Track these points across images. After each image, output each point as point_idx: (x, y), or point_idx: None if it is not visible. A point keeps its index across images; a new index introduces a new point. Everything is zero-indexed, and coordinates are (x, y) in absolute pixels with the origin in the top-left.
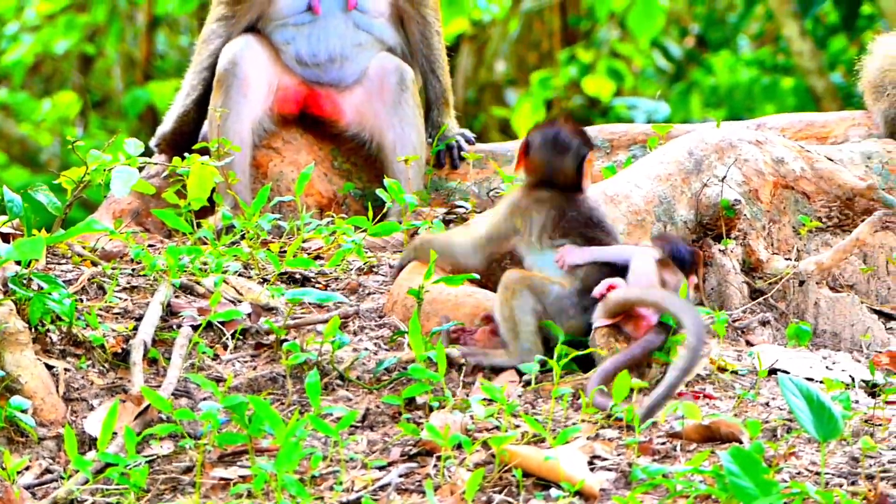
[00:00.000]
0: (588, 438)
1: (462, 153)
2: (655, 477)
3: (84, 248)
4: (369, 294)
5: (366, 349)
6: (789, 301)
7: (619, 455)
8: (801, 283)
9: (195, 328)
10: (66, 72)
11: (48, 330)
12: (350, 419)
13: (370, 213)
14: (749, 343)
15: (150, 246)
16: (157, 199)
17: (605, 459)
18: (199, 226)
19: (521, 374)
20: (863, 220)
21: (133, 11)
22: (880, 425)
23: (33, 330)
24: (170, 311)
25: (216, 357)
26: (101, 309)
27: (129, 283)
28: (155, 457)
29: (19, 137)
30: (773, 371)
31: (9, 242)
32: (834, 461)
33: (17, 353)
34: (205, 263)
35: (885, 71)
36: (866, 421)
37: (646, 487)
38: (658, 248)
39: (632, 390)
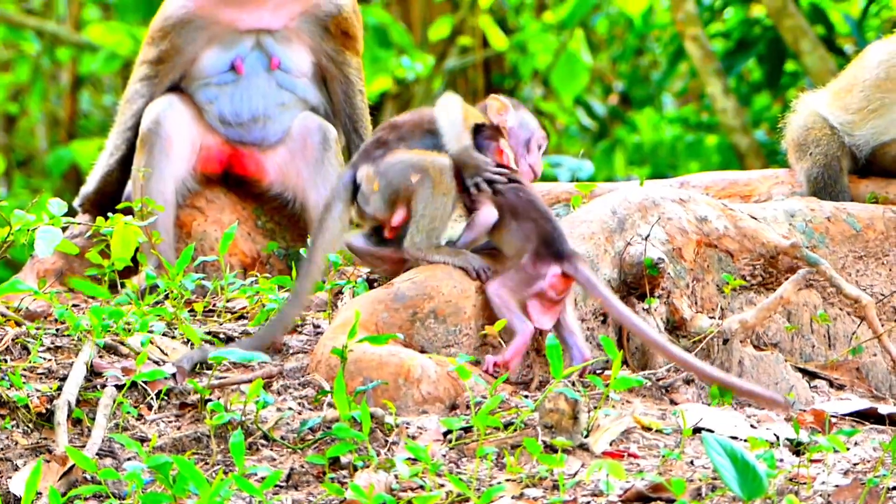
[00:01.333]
0: (513, 498)
1: None
2: None
3: (8, 308)
4: (293, 353)
5: (290, 409)
6: (713, 359)
7: None
8: (726, 341)
9: (119, 388)
10: None
11: None
12: (274, 479)
13: (294, 273)
14: (673, 402)
15: (74, 306)
16: (81, 259)
17: None
18: (122, 286)
19: (445, 433)
20: (787, 279)
21: (56, 71)
22: (804, 483)
23: None
24: (94, 372)
25: (141, 417)
26: (25, 369)
27: (53, 343)
28: None
29: None
30: (697, 430)
31: None
32: None
33: None
34: (129, 323)
35: (809, 129)
36: (791, 479)
37: None
38: None
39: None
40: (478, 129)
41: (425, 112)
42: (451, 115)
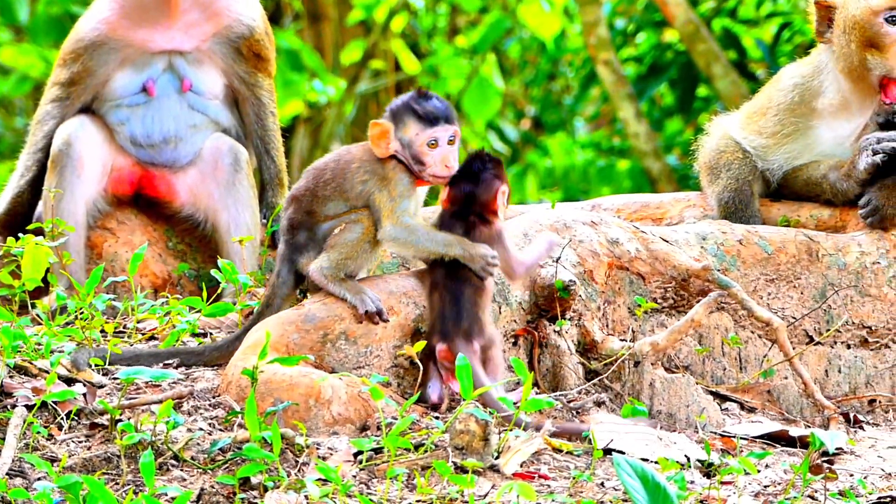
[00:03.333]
0: None
1: None
2: None
3: None
4: (203, 374)
5: (200, 429)
6: (625, 382)
7: None
8: (637, 363)
9: (30, 408)
10: None
11: None
12: (185, 499)
13: (205, 294)
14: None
15: None
16: None
17: None
18: (33, 306)
19: (356, 454)
20: (698, 301)
21: None
22: None
23: None
24: (4, 392)
25: (51, 437)
26: None
27: None
28: None
29: None
30: (608, 451)
31: None
32: None
33: None
34: (39, 344)
35: (721, 152)
36: (701, 501)
37: None
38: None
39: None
40: None
41: (347, 163)
42: (423, 236)
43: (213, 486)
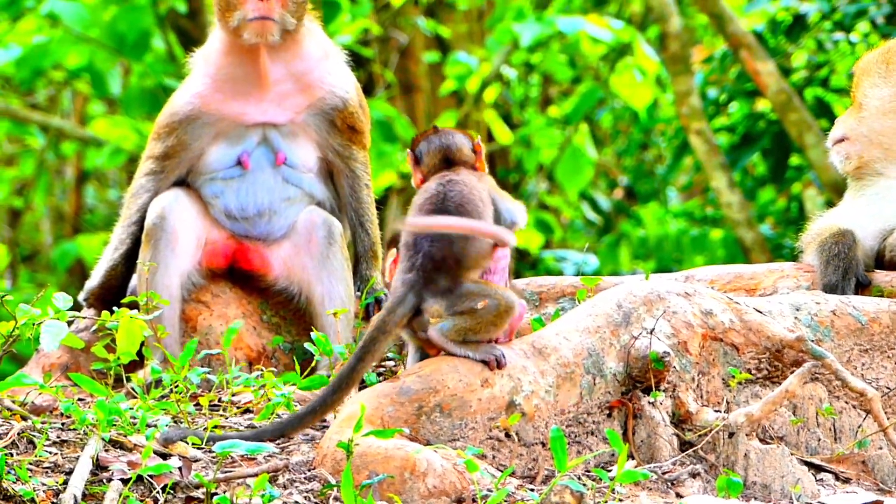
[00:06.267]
0: None
1: None
2: None
3: (14, 402)
4: (299, 447)
5: (296, 502)
6: (719, 453)
7: None
8: (731, 434)
9: (126, 482)
10: None
11: None
12: None
13: (298, 367)
14: (679, 495)
15: (79, 400)
16: (86, 353)
17: None
18: (128, 380)
19: None
20: (792, 372)
21: (62, 165)
22: None
23: None
24: (100, 466)
25: None
26: (31, 463)
27: (58, 437)
28: None
29: None
30: None
31: None
32: None
33: None
34: (134, 418)
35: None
36: None
37: None
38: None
39: None
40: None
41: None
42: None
43: None
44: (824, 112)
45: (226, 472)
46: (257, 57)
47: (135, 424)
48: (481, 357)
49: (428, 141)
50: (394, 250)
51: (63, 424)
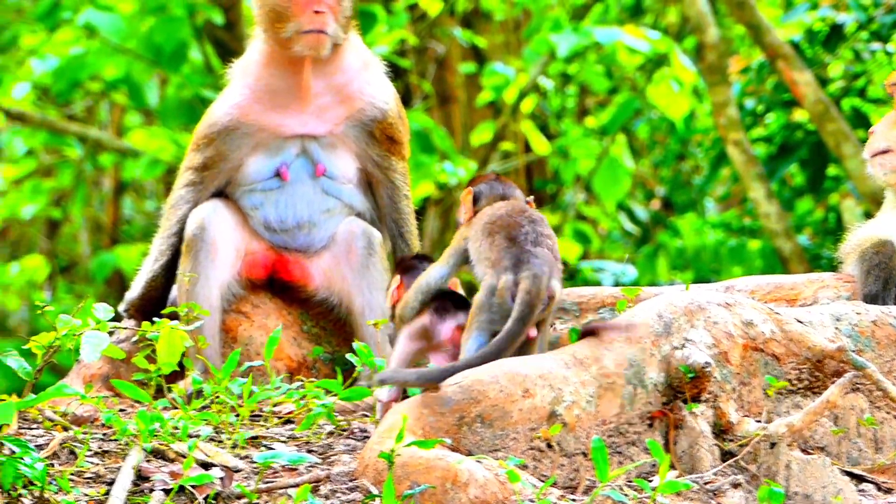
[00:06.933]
0: None
1: None
2: None
3: (55, 412)
4: (340, 458)
5: None
6: (760, 463)
7: None
8: (773, 445)
9: (167, 492)
10: (33, 236)
11: (20, 495)
12: None
13: (340, 377)
14: None
15: (120, 410)
16: (127, 364)
17: None
18: (169, 390)
19: None
20: (833, 382)
21: (99, 176)
22: None
23: (5, 494)
24: (141, 476)
25: None
26: (72, 474)
27: (100, 447)
28: None
29: None
30: None
31: None
32: None
33: None
34: (175, 428)
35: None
36: None
37: None
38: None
39: None
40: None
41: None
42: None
43: None
44: (861, 122)
45: (267, 482)
46: (301, 69)
47: (176, 435)
48: None
49: (490, 185)
50: (397, 277)
51: (104, 435)
